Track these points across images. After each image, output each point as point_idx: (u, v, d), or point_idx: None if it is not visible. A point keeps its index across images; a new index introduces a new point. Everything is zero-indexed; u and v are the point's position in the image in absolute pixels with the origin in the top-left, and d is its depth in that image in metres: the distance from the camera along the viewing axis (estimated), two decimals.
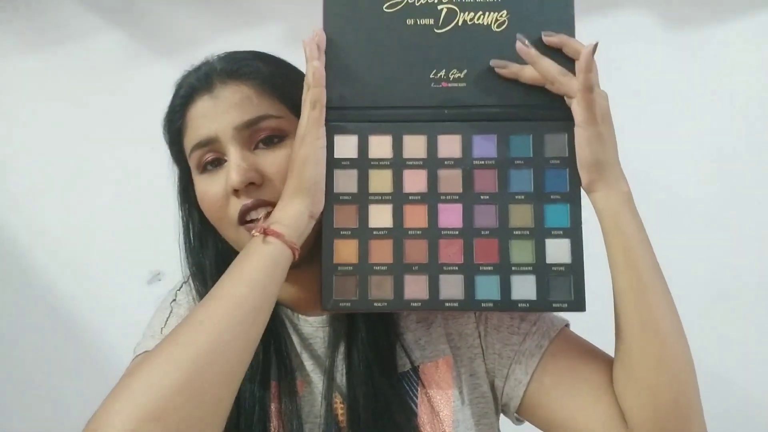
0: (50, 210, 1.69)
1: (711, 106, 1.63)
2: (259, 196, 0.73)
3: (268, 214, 0.72)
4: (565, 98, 0.71)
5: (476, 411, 0.77)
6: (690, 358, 0.69)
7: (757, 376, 1.57)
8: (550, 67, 0.69)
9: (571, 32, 0.73)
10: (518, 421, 0.79)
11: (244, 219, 0.74)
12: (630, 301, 0.68)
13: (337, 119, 0.72)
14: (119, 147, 1.66)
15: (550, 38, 0.70)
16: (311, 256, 0.74)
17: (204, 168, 0.76)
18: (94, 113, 1.69)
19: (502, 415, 0.81)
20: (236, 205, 0.73)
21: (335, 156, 0.72)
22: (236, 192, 0.73)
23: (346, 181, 0.72)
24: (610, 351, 0.74)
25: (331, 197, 0.71)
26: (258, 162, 0.74)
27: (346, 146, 0.72)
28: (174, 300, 0.82)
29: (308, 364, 0.78)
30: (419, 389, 0.76)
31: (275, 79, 0.76)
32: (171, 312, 0.81)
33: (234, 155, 0.73)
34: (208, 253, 0.81)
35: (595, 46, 0.67)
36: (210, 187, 0.75)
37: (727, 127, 1.64)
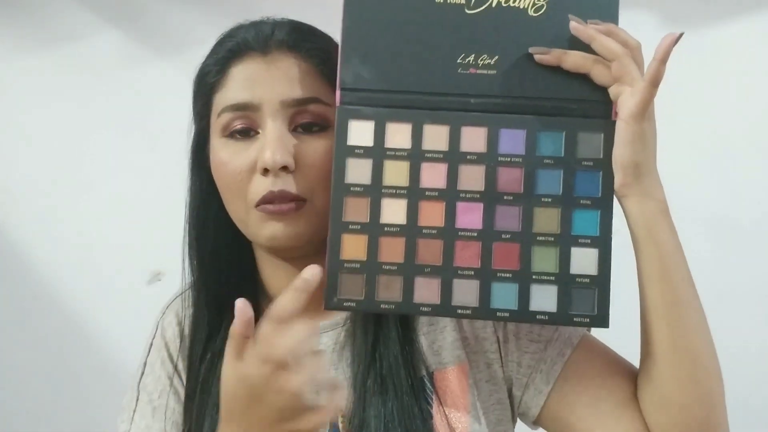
0: (50, 209, 1.67)
1: (711, 106, 1.59)
2: (286, 186, 0.68)
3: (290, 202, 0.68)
4: (611, 89, 0.64)
5: (492, 419, 0.72)
6: (720, 374, 0.66)
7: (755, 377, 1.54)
8: (612, 45, 0.62)
9: (615, 21, 0.66)
10: (534, 425, 0.75)
11: (263, 203, 0.68)
12: (662, 316, 0.64)
13: (352, 102, 0.66)
14: (119, 146, 1.65)
15: (598, 27, 0.64)
16: (321, 245, 0.69)
17: (230, 134, 0.70)
18: (94, 113, 1.66)
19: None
20: (260, 185, 0.68)
21: (348, 143, 0.66)
22: (265, 171, 0.68)
23: (359, 171, 0.66)
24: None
25: (342, 188, 0.66)
26: (295, 146, 0.68)
27: (362, 133, 0.66)
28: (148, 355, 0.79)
29: None
30: (434, 398, 0.71)
31: (335, 63, 0.70)
32: (138, 397, 0.77)
33: (273, 131, 0.68)
34: (208, 228, 0.76)
35: (680, 36, 0.60)
36: (233, 158, 0.70)
37: (727, 126, 1.60)
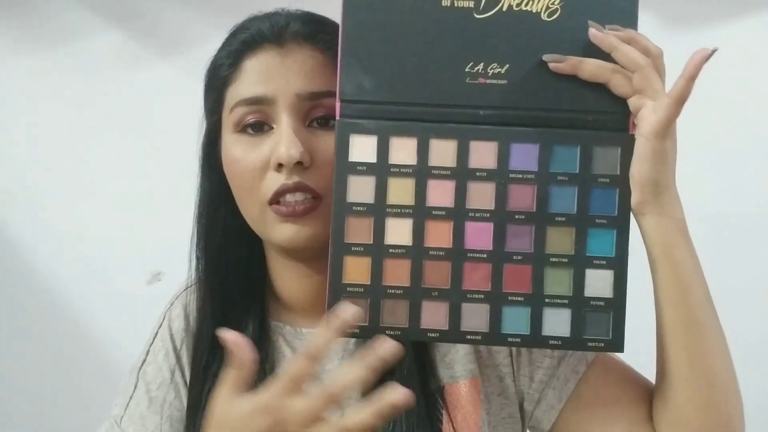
0: (50, 209, 1.66)
1: (711, 106, 1.57)
2: (302, 180, 0.65)
3: (305, 200, 0.65)
4: (631, 100, 0.60)
5: None
6: (740, 398, 0.64)
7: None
8: (635, 55, 0.58)
9: (634, 26, 0.62)
10: None
11: (276, 199, 0.65)
12: (679, 338, 0.62)
13: (353, 115, 0.62)
14: (119, 146, 1.64)
15: (618, 33, 0.60)
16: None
17: (243, 129, 0.67)
18: (94, 113, 1.65)
19: None
20: (273, 181, 0.65)
21: (350, 159, 0.62)
22: (279, 167, 0.65)
23: (362, 190, 0.62)
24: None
25: (344, 207, 0.62)
26: (311, 141, 0.65)
27: (364, 148, 0.62)
28: (148, 352, 0.75)
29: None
30: (444, 413, 0.68)
31: None
32: (137, 384, 0.74)
33: (288, 126, 0.65)
34: (218, 229, 0.73)
35: (713, 52, 0.56)
36: (247, 154, 0.66)
37: (727, 126, 1.59)
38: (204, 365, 0.71)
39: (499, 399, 0.70)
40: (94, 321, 1.63)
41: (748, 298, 1.56)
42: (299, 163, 0.64)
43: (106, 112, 1.63)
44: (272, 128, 0.66)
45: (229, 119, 0.68)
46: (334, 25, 0.70)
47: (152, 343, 0.76)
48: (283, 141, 0.64)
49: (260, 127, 0.66)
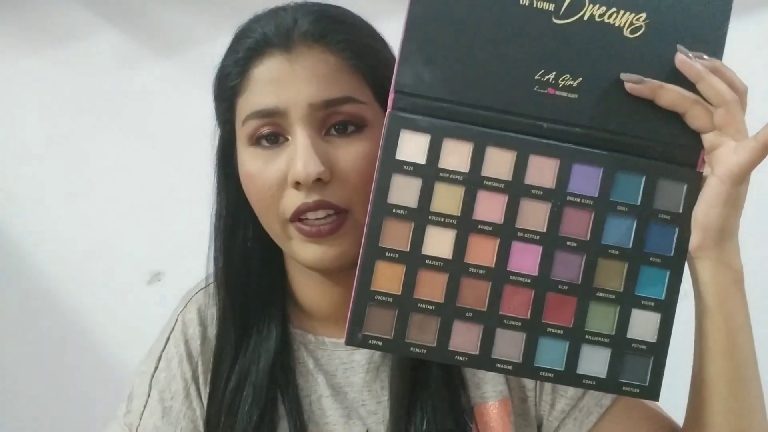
0: (50, 209, 1.61)
1: None
2: (323, 196, 0.59)
3: (329, 218, 0.60)
4: (708, 136, 0.56)
5: None
6: None
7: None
8: (723, 88, 0.54)
9: (719, 56, 0.57)
10: None
11: (297, 217, 0.60)
12: (721, 392, 0.58)
13: (407, 108, 0.56)
14: (119, 146, 1.58)
15: (703, 62, 0.55)
16: None
17: (258, 142, 0.61)
18: (94, 113, 1.60)
19: None
20: (293, 199, 0.60)
21: (397, 157, 0.56)
22: (297, 185, 0.59)
23: (405, 192, 0.56)
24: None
25: (383, 207, 0.56)
26: (329, 153, 0.60)
27: (414, 147, 0.56)
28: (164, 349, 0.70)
29: (336, 405, 0.66)
30: None
31: (368, 54, 0.61)
32: (150, 393, 0.69)
33: (303, 139, 0.59)
34: (238, 241, 0.68)
35: None
36: (263, 169, 0.61)
37: None
38: (225, 380, 0.67)
39: (519, 419, 0.67)
40: (93, 321, 1.60)
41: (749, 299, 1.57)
42: (318, 180, 0.59)
43: (106, 112, 1.59)
44: (288, 139, 0.61)
45: (242, 132, 0.63)
46: (351, 20, 0.64)
47: (164, 348, 0.71)
48: (300, 157, 0.59)
49: (275, 138, 0.61)
